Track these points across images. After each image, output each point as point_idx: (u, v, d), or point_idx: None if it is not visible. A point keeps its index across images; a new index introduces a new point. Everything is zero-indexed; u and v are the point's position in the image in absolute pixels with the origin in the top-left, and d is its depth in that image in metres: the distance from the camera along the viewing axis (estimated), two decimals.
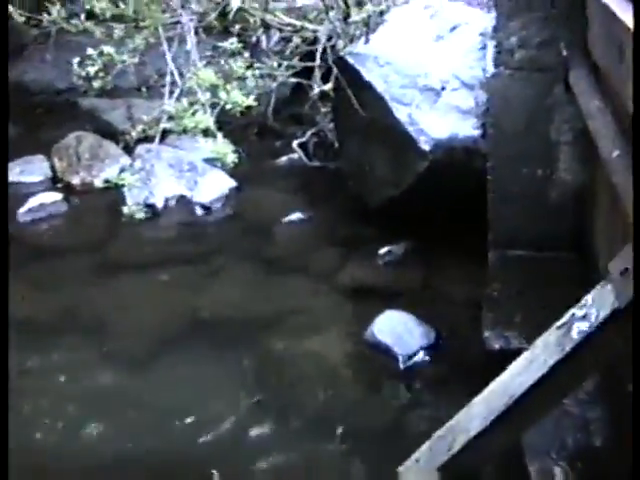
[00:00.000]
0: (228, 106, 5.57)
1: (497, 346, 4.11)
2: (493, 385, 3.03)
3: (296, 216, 6.00)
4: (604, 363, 2.99)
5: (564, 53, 4.53)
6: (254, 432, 4.01)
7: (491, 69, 4.73)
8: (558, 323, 2.92)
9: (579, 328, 2.82)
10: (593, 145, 3.79)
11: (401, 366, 4.38)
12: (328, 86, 6.22)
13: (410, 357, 4.40)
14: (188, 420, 4.04)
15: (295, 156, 6.98)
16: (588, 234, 4.47)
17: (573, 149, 4.58)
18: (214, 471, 3.68)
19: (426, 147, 5.03)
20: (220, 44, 6.37)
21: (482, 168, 4.77)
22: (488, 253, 4.76)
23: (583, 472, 3.42)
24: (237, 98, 5.50)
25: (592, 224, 4.39)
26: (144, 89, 7.78)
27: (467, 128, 5.03)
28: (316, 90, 6.54)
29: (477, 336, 4.31)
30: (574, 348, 2.79)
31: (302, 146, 7.01)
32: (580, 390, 3.83)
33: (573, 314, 2.89)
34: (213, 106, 5.66)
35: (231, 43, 6.21)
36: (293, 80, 7.00)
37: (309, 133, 7.04)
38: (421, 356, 4.42)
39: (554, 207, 4.67)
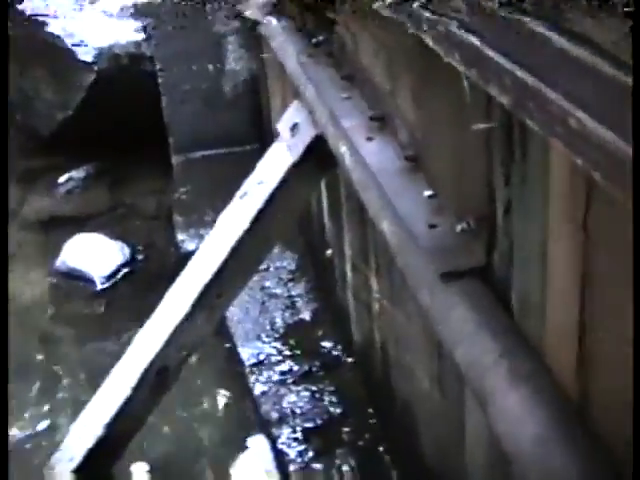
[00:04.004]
0: None
1: (192, 247, 3.98)
2: (186, 271, 2.89)
3: None
4: (289, 222, 2.93)
5: None
6: None
7: None
8: (238, 194, 2.82)
9: (258, 194, 2.73)
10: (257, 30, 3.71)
11: (99, 287, 4.14)
12: None
13: (108, 277, 4.17)
14: None
15: None
16: (267, 121, 4.43)
17: (239, 37, 4.49)
18: None
19: (88, 58, 4.72)
20: None
21: (151, 72, 4.57)
22: (171, 159, 4.62)
23: (295, 346, 3.39)
24: None
25: (269, 109, 4.34)
26: None
27: (128, 32, 4.77)
28: None
29: (172, 243, 4.17)
30: (257, 214, 2.70)
31: None
32: (282, 270, 3.80)
33: (250, 182, 2.80)
34: None
35: None
36: None
37: None
38: (119, 274, 4.20)
39: (230, 100, 4.58)
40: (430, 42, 1.42)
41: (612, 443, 1.38)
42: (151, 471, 3.17)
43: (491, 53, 1.15)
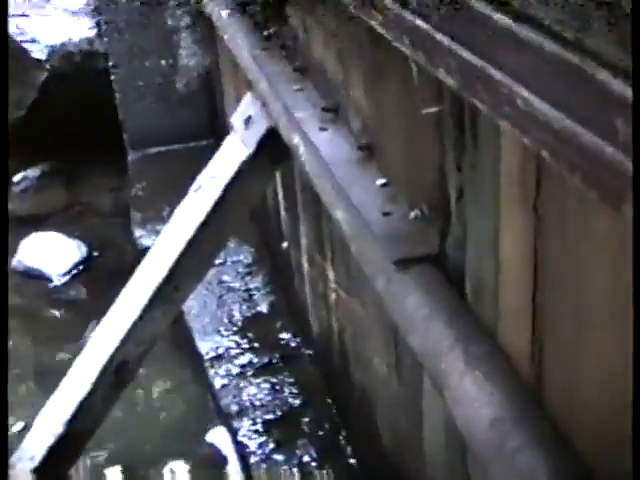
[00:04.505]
0: None
1: (149, 243, 3.95)
2: (143, 266, 2.87)
3: None
4: (245, 214, 2.92)
5: None
6: None
7: None
8: (193, 188, 2.81)
9: (213, 187, 2.72)
10: (212, 25, 3.70)
11: (57, 285, 4.10)
12: None
13: (65, 275, 4.13)
14: None
15: None
16: (222, 115, 4.41)
17: (192, 33, 4.47)
18: None
19: (41, 56, 4.66)
20: None
21: (105, 68, 4.54)
22: (127, 156, 4.58)
23: (253, 339, 3.39)
24: None
25: (223, 104, 4.32)
26: None
27: (81, 30, 4.72)
28: None
29: (130, 239, 4.14)
30: (212, 207, 2.69)
31: None
32: (239, 264, 3.79)
33: (205, 176, 2.80)
34: None
35: None
36: None
37: None
38: (76, 272, 4.16)
39: (185, 96, 4.56)
40: (379, 28, 1.42)
41: (565, 424, 1.40)
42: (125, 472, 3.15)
43: (438, 36, 1.15)
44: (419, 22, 1.22)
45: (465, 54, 1.08)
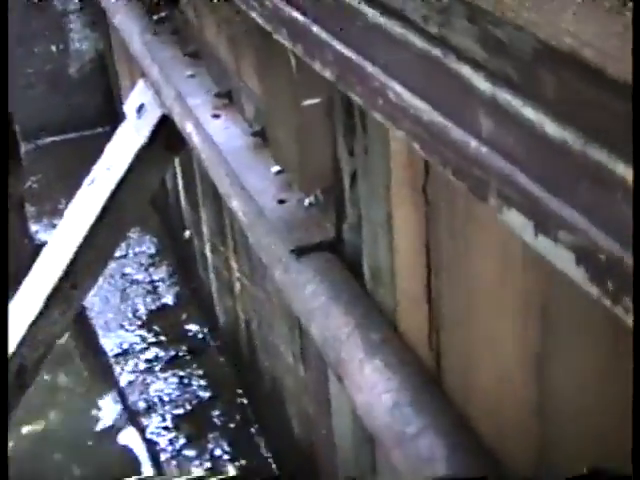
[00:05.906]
0: None
1: (47, 237, 3.83)
2: (38, 265, 2.78)
3: None
4: (142, 205, 2.84)
5: None
6: None
7: None
8: (86, 181, 2.73)
9: (107, 179, 2.64)
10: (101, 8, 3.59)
11: None
12: None
13: None
14: None
15: None
16: (118, 101, 4.30)
17: (82, 17, 4.33)
18: None
19: None
20: None
21: None
22: (19, 147, 4.43)
23: (159, 333, 3.32)
24: None
25: (119, 89, 4.21)
26: None
27: None
28: None
29: (26, 235, 4.01)
30: (107, 200, 2.61)
31: None
32: (142, 255, 3.71)
33: (99, 168, 2.72)
34: None
35: None
36: None
37: None
38: None
39: (78, 82, 4.42)
40: (258, 19, 1.38)
41: (463, 407, 1.40)
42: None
43: (314, 29, 1.13)
44: (296, 15, 1.19)
45: (340, 47, 1.06)
